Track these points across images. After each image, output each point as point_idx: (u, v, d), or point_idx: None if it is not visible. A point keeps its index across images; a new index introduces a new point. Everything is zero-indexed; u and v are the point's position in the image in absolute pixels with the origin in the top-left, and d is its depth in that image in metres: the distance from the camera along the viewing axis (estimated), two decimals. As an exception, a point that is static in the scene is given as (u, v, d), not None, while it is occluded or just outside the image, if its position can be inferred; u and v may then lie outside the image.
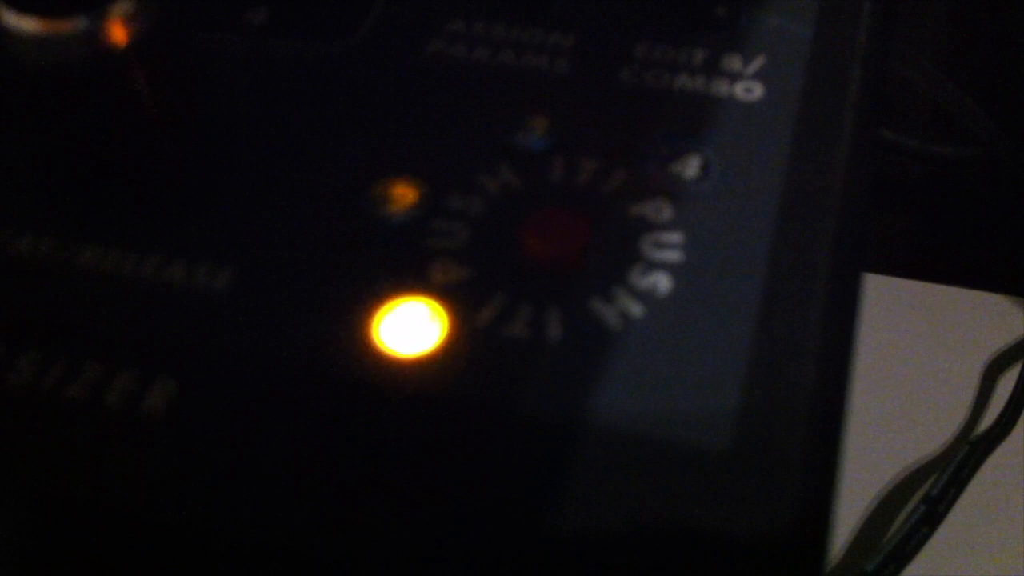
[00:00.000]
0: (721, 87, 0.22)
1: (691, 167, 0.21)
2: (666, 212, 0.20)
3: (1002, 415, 0.31)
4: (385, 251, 0.20)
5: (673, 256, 0.20)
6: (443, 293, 0.19)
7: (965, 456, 0.30)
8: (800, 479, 0.18)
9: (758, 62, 0.23)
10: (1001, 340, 0.35)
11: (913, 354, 0.34)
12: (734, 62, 0.23)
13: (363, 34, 0.24)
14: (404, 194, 0.21)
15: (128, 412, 0.18)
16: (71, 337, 0.19)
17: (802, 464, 0.18)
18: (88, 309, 0.20)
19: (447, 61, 0.23)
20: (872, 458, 0.31)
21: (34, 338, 0.19)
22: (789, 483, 0.17)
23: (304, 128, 0.22)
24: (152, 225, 0.21)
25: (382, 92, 0.23)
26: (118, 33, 0.19)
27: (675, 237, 0.20)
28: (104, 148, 0.20)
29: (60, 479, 0.18)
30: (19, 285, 0.20)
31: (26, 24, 0.18)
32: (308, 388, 0.18)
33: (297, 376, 0.19)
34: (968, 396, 0.33)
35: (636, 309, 0.19)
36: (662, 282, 0.19)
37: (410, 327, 0.19)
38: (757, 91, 0.22)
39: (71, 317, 0.20)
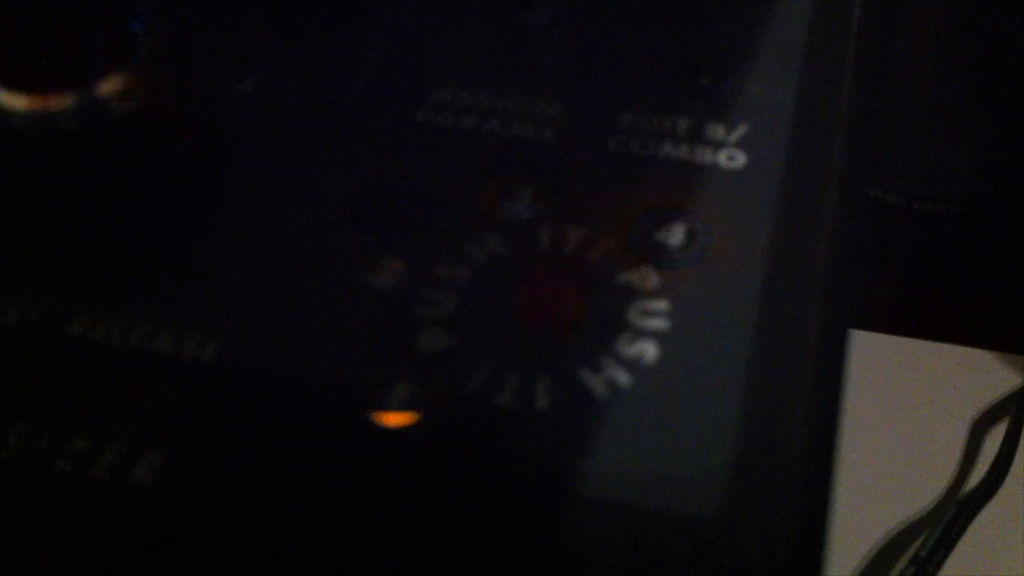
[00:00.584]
0: (705, 155, 0.22)
1: (676, 235, 0.21)
2: (652, 280, 0.20)
3: (989, 474, 0.31)
4: (375, 321, 0.20)
5: (660, 324, 0.20)
6: (432, 362, 0.19)
7: (953, 516, 0.30)
8: (791, 544, 0.18)
9: (741, 130, 0.23)
10: (987, 396, 0.35)
11: (899, 411, 0.34)
12: (717, 130, 0.23)
13: (352, 103, 0.24)
14: (392, 263, 0.21)
15: (115, 484, 0.18)
16: (58, 409, 0.19)
17: (793, 529, 0.18)
18: (76, 380, 0.20)
19: (434, 130, 0.23)
20: (860, 518, 0.31)
21: (21, 410, 0.19)
22: (780, 548, 0.17)
23: (293, 198, 0.22)
24: (140, 295, 0.21)
25: (370, 159, 0.23)
26: (108, 108, 0.19)
27: (661, 305, 0.20)
28: (95, 216, 0.20)
29: (47, 551, 0.18)
30: (6, 356, 0.20)
31: (16, 101, 0.18)
32: (296, 460, 0.18)
33: (285, 448, 0.19)
34: (955, 453, 0.33)
35: (623, 378, 0.19)
36: (649, 350, 0.20)
37: (398, 399, 0.19)
38: (740, 159, 0.22)
39: (58, 388, 0.20)
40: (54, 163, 0.19)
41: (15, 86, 0.18)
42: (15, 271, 0.21)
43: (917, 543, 0.30)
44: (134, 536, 0.18)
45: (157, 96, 0.20)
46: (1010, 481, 0.31)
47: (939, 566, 0.29)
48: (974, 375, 0.35)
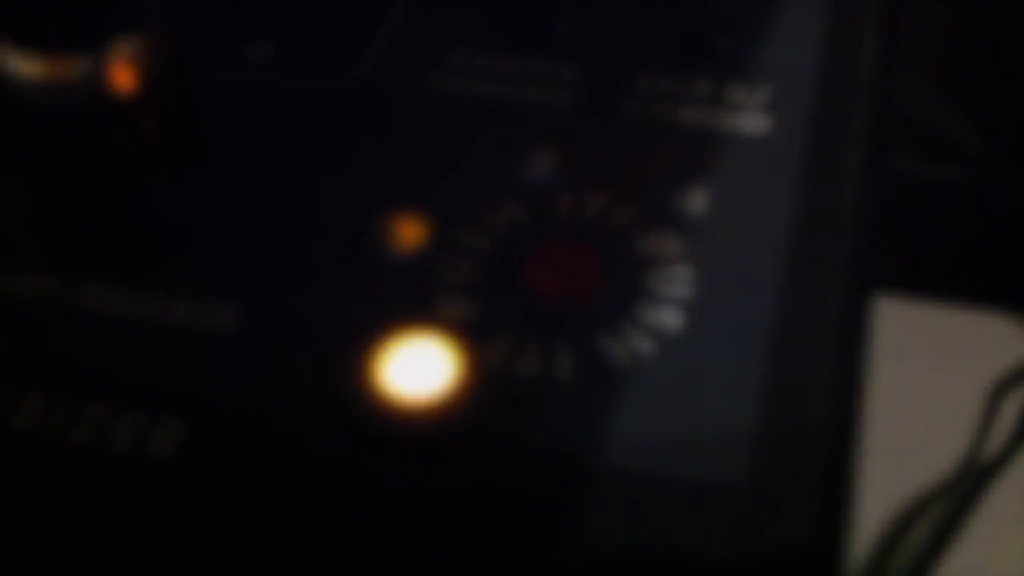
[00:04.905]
0: (726, 119, 0.22)
1: (698, 201, 0.21)
2: (674, 247, 0.20)
3: (1009, 440, 0.31)
4: (393, 289, 0.20)
5: (682, 291, 0.20)
6: (452, 331, 0.19)
7: (973, 483, 0.29)
8: (814, 514, 0.17)
9: (763, 94, 0.23)
10: (1006, 361, 0.34)
11: (917, 377, 0.34)
12: (739, 94, 0.23)
13: (366, 68, 0.24)
14: (411, 231, 0.21)
15: (135, 455, 0.18)
16: (76, 379, 0.19)
17: (817, 498, 0.18)
18: (93, 350, 0.19)
19: (451, 95, 0.23)
20: (879, 486, 0.31)
21: (39, 380, 0.19)
22: (804, 517, 0.17)
23: (309, 165, 0.22)
24: (157, 264, 0.21)
25: (387, 127, 0.23)
26: (121, 74, 0.19)
27: (684, 272, 0.20)
28: (108, 187, 0.20)
29: (66, 522, 0.18)
30: (23, 326, 0.20)
31: (28, 65, 0.18)
32: (316, 429, 0.18)
33: (305, 417, 0.18)
34: (976, 419, 0.33)
35: (646, 345, 0.19)
36: (671, 317, 0.19)
37: (419, 367, 0.19)
38: (763, 123, 0.22)
39: (76, 358, 0.19)
40: (66, 130, 0.19)
41: (27, 48, 0.18)
42: (30, 241, 0.21)
43: (937, 510, 0.30)
44: (154, 506, 0.18)
45: (170, 60, 0.19)
46: (1030, 446, 0.31)
47: (960, 532, 0.29)
48: (992, 339, 0.35)
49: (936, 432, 0.33)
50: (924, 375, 0.34)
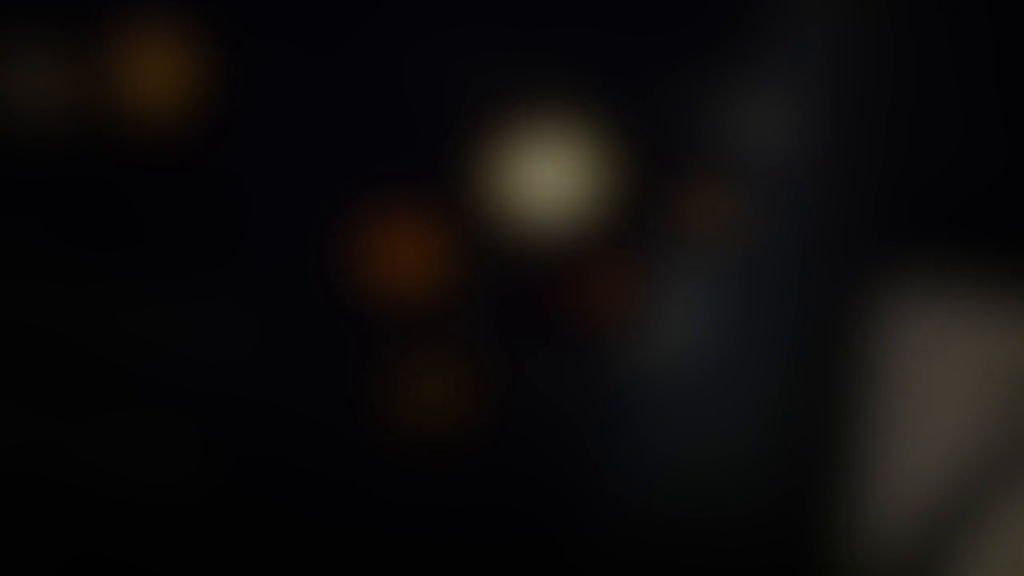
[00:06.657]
0: (746, 131, 0.22)
1: (718, 219, 0.21)
2: (694, 266, 0.20)
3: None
4: (410, 311, 0.20)
5: (703, 311, 0.20)
6: (464, 351, 0.19)
7: (998, 478, 0.30)
8: (830, 532, 0.18)
9: (781, 104, 0.22)
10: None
11: (937, 377, 0.34)
12: (757, 104, 0.22)
13: (365, 97, 0.24)
14: (429, 253, 0.21)
15: (160, 474, 0.18)
16: (98, 399, 0.19)
17: (832, 516, 0.18)
18: (118, 368, 0.20)
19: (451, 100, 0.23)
20: (898, 489, 0.31)
21: (58, 401, 0.19)
22: (819, 541, 0.17)
23: (318, 187, 0.22)
24: (179, 281, 0.21)
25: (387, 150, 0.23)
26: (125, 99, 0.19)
27: (703, 292, 0.20)
28: (135, 208, 0.20)
29: (84, 548, 0.18)
30: (42, 347, 0.20)
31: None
32: (337, 450, 0.18)
33: (328, 435, 0.19)
34: (995, 418, 0.33)
35: (663, 369, 0.19)
36: (691, 339, 0.19)
37: (430, 389, 0.19)
38: (783, 135, 0.22)
39: (98, 378, 0.20)
40: (68, 158, 0.19)
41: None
42: (48, 253, 0.21)
43: (961, 505, 0.30)
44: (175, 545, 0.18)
45: (167, 86, 0.20)
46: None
47: (984, 530, 0.29)
48: (1016, 338, 0.35)
49: (956, 432, 0.33)
50: (944, 377, 0.34)
